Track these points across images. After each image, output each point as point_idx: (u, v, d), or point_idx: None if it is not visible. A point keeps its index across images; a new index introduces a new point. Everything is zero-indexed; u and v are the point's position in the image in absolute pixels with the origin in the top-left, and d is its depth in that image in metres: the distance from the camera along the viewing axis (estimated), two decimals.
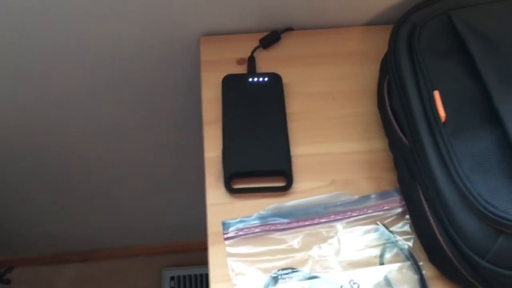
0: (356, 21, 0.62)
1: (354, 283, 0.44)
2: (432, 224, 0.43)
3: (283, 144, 0.52)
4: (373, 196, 0.49)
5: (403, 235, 0.47)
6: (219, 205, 0.50)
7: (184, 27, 0.61)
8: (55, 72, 0.65)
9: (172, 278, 1.20)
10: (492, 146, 0.41)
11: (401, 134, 0.47)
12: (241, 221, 0.48)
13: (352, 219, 0.48)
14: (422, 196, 0.44)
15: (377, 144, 0.53)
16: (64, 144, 0.80)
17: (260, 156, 0.51)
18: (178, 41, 0.63)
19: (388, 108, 0.49)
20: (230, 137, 0.52)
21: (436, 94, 0.44)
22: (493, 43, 0.47)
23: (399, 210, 0.48)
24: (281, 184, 0.50)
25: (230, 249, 0.47)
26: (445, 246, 0.42)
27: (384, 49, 0.56)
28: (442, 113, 0.43)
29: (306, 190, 0.50)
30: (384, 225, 0.48)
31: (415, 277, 0.45)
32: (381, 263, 0.46)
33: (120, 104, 0.71)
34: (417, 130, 0.44)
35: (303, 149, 0.53)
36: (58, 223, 1.08)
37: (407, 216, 0.48)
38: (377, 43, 0.60)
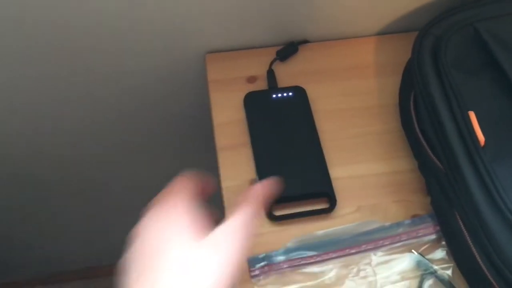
0: (369, 30, 0.59)
1: None
2: (475, 254, 0.40)
3: (320, 164, 0.49)
4: (406, 222, 0.46)
5: (440, 263, 0.45)
6: None
7: (188, 45, 0.57)
8: (65, 101, 0.61)
9: None
10: None
11: (434, 158, 0.44)
12: (267, 256, 0.45)
13: (384, 248, 0.46)
14: (462, 224, 0.42)
15: (404, 164, 0.50)
16: (67, 165, 0.76)
17: (300, 179, 0.48)
18: (181, 60, 0.59)
19: (417, 128, 0.46)
20: (264, 161, 0.49)
21: (472, 115, 0.41)
22: None
23: (434, 236, 0.46)
24: (324, 206, 0.47)
25: None
26: (492, 279, 0.39)
27: (399, 59, 0.54)
28: (481, 136, 0.40)
29: (332, 217, 0.48)
30: (419, 253, 0.45)
31: None
32: None
33: (126, 129, 0.68)
34: (454, 155, 0.41)
35: None
36: (55, 242, 1.04)
37: (443, 243, 0.45)
38: (392, 54, 0.58)
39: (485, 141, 0.40)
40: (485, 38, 0.45)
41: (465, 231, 0.41)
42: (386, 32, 0.59)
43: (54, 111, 0.64)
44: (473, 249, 0.40)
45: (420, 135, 0.46)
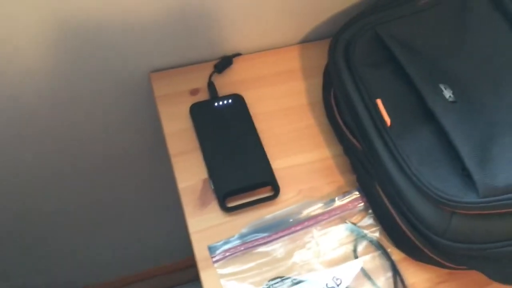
0: (292, 40, 0.68)
1: (337, 279, 0.49)
2: (394, 215, 0.49)
3: (262, 158, 0.57)
4: (337, 198, 0.55)
5: (369, 228, 0.53)
6: (201, 231, 0.53)
7: (131, 67, 0.63)
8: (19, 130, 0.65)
9: None
10: (432, 141, 0.48)
11: (354, 141, 0.53)
12: (225, 243, 0.52)
13: (323, 222, 0.54)
14: (381, 192, 0.50)
15: (332, 150, 0.59)
16: (41, 188, 0.79)
17: (246, 173, 0.55)
18: (127, 81, 0.65)
19: (339, 119, 0.55)
20: (213, 161, 0.56)
21: (379, 102, 0.51)
22: (414, 50, 0.54)
23: (362, 206, 0.55)
24: (269, 194, 0.55)
25: (221, 271, 0.50)
26: (408, 232, 0.48)
27: (320, 63, 0.63)
28: (387, 118, 0.49)
29: (278, 202, 0.55)
30: (351, 222, 0.53)
31: (387, 263, 0.51)
32: (356, 257, 0.52)
33: (80, 151, 0.72)
34: (368, 136, 0.50)
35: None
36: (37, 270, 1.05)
37: (370, 211, 0.54)
38: (314, 59, 0.67)
39: (391, 122, 0.49)
40: (384, 39, 0.55)
41: (384, 197, 0.50)
42: (307, 40, 0.68)
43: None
44: (391, 210, 0.49)
45: (341, 123, 0.55)
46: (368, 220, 0.54)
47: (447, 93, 0.50)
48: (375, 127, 0.50)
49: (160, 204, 0.91)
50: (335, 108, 0.56)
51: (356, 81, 0.53)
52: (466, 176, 0.45)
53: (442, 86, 0.51)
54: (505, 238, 0.44)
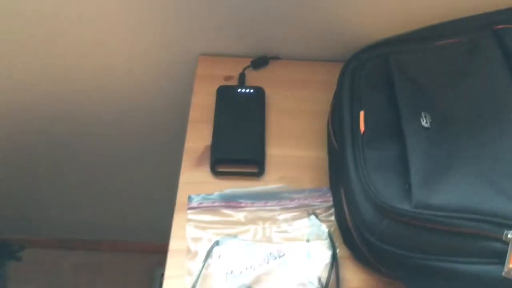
0: (334, 57, 0.75)
1: (280, 252, 0.56)
2: (345, 209, 0.55)
3: (260, 141, 0.66)
4: (309, 190, 0.61)
5: (327, 222, 0.59)
6: (189, 183, 0.63)
7: (186, 47, 0.76)
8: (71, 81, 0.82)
9: (163, 274, 1.32)
10: (394, 157, 0.53)
11: (334, 141, 0.60)
12: (203, 197, 0.61)
13: (290, 205, 0.60)
14: (342, 189, 0.56)
15: (323, 154, 0.65)
16: (78, 140, 0.96)
17: (242, 149, 0.65)
18: (180, 58, 0.78)
19: (330, 122, 0.62)
20: (219, 132, 0.66)
21: (361, 114, 0.57)
22: (414, 80, 0.59)
23: (329, 204, 0.60)
24: (255, 171, 0.63)
25: (191, 216, 0.59)
26: (351, 228, 0.53)
27: None
28: (362, 127, 0.56)
29: (260, 180, 0.63)
30: (314, 213, 0.60)
31: (329, 252, 0.56)
32: (307, 240, 0.58)
33: (123, 109, 0.88)
34: (344, 139, 0.57)
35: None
36: (68, 210, 1.22)
37: (333, 210, 0.60)
38: None
39: (364, 131, 0.55)
40: (391, 65, 0.61)
41: (342, 192, 0.56)
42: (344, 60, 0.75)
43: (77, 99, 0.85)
44: (345, 206, 0.55)
45: (330, 126, 0.62)
46: (329, 216, 0.59)
47: (425, 120, 0.55)
48: (351, 132, 0.56)
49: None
50: (330, 113, 0.63)
51: (353, 93, 0.60)
52: (408, 190, 0.50)
53: (423, 114, 0.56)
54: (429, 252, 0.48)
